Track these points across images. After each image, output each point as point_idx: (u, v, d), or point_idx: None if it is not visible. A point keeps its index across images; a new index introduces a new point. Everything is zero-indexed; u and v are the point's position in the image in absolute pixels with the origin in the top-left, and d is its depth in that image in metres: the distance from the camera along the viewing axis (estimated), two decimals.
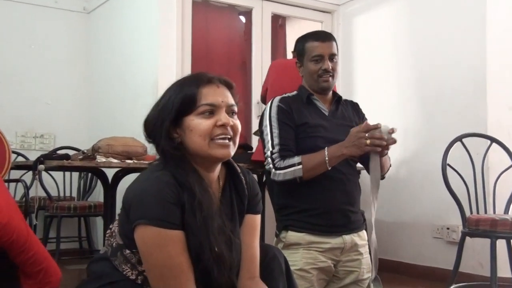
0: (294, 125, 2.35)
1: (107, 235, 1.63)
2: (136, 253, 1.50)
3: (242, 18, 4.90)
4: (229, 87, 1.59)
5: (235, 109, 1.57)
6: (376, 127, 2.13)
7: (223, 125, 1.50)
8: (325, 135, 2.34)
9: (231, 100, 1.56)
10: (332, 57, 2.39)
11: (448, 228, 3.84)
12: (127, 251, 1.53)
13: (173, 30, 4.15)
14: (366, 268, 2.38)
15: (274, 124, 2.35)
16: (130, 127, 3.97)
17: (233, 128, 1.53)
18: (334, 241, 2.33)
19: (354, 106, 2.60)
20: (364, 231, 2.45)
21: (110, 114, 4.79)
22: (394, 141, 2.14)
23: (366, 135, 2.12)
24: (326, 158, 2.21)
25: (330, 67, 2.37)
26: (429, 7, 4.15)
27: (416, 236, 4.09)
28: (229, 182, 1.65)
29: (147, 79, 4.18)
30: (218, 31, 4.88)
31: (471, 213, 3.14)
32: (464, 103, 3.81)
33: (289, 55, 4.99)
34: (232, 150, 1.54)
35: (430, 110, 4.07)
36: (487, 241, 2.95)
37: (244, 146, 3.74)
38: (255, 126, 4.54)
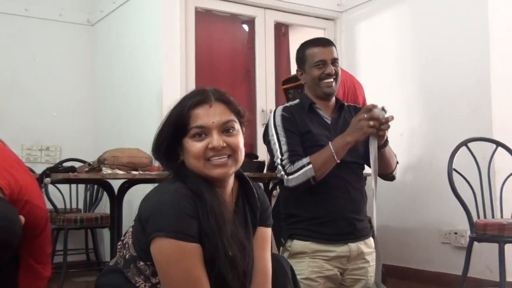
0: (299, 133, 2.36)
1: (118, 246, 1.63)
2: (151, 265, 1.50)
3: (245, 27, 4.91)
4: (226, 102, 1.58)
5: (232, 124, 1.56)
6: (374, 106, 2.19)
7: (214, 148, 1.51)
8: (327, 144, 2.32)
9: (226, 117, 1.55)
10: (334, 61, 2.42)
11: (455, 233, 3.82)
12: (141, 263, 1.53)
13: (177, 40, 4.17)
14: (374, 276, 2.37)
15: (281, 132, 2.36)
16: (135, 138, 3.99)
17: (230, 146, 1.53)
18: (340, 249, 2.32)
19: (357, 111, 2.59)
20: (371, 239, 2.43)
21: (115, 125, 4.81)
22: (392, 118, 2.19)
23: (365, 115, 2.16)
24: (333, 151, 2.23)
25: (333, 71, 2.39)
26: (431, 12, 4.15)
27: (424, 242, 4.07)
28: (242, 195, 1.66)
29: (151, 90, 4.20)
30: (221, 41, 4.89)
31: (479, 217, 3.12)
32: (469, 108, 3.80)
33: (293, 63, 4.99)
34: (231, 168, 1.54)
35: (435, 115, 4.07)
36: (495, 245, 2.93)
37: (250, 155, 3.73)
38: (260, 134, 4.54)
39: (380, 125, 2.17)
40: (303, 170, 2.25)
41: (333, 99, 2.49)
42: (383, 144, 2.30)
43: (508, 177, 3.32)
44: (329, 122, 2.44)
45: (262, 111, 4.54)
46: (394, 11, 4.47)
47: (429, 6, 4.18)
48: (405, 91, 4.32)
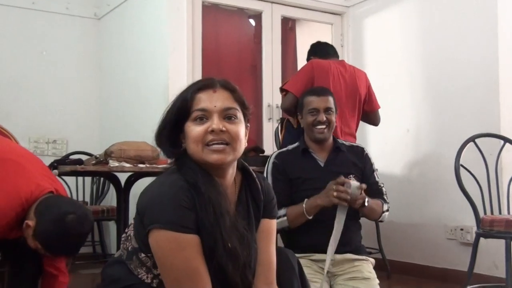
0: (287, 179, 2.51)
1: (122, 239, 1.64)
2: (151, 256, 1.51)
3: (252, 22, 4.91)
4: (231, 90, 1.56)
5: (235, 112, 1.54)
6: (344, 181, 2.31)
7: (213, 131, 1.49)
8: (318, 186, 2.41)
9: (229, 104, 1.53)
10: (327, 110, 2.56)
11: (462, 229, 3.82)
12: (142, 255, 1.54)
13: (184, 34, 4.16)
14: (365, 271, 2.40)
15: (270, 179, 2.51)
16: (142, 131, 4.00)
17: (229, 133, 1.51)
18: (321, 255, 2.38)
19: (359, 154, 2.66)
20: (367, 261, 2.48)
21: (121, 118, 4.82)
22: (363, 198, 2.32)
23: (334, 187, 2.29)
24: (304, 209, 2.37)
25: (325, 119, 2.53)
26: (439, 7, 4.13)
27: (430, 238, 4.07)
28: (245, 187, 1.65)
29: (158, 83, 4.20)
30: (228, 35, 4.89)
31: (485, 213, 3.11)
32: (477, 103, 3.78)
33: (299, 58, 4.98)
34: (229, 156, 1.51)
35: (443, 111, 4.05)
36: (502, 242, 2.93)
37: (256, 149, 3.74)
38: (266, 129, 4.55)
39: (352, 200, 2.30)
40: (279, 220, 2.33)
41: (330, 141, 2.61)
42: (361, 207, 2.38)
43: None
44: (322, 164, 2.56)
45: (268, 105, 4.54)
46: (402, 6, 4.45)
47: (436, 1, 4.16)
48: (412, 87, 4.31)
